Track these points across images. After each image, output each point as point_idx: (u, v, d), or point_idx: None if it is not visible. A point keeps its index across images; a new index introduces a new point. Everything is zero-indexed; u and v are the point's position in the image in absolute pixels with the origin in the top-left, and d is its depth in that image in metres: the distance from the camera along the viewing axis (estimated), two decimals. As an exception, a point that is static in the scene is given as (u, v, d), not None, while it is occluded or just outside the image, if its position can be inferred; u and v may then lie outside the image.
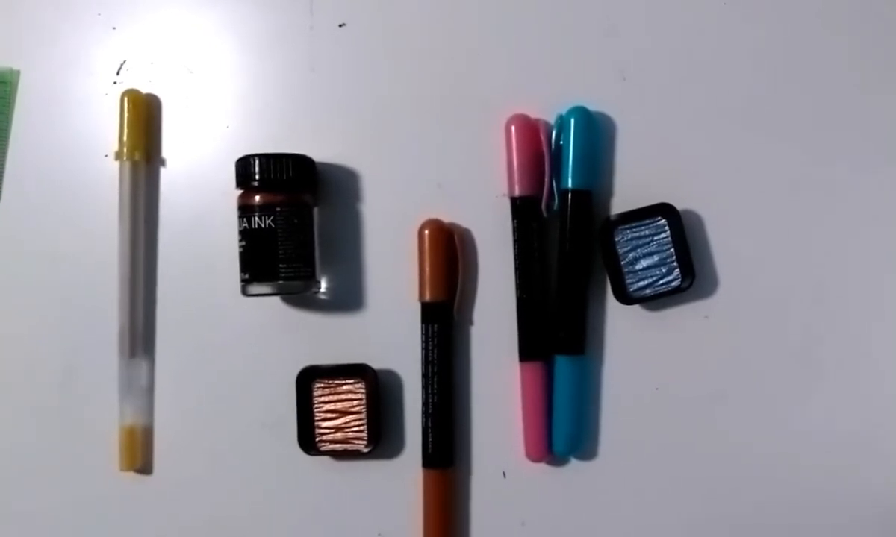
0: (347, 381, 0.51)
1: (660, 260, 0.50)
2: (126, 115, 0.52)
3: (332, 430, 0.51)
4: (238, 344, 0.52)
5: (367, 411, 0.51)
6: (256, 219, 0.48)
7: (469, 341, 0.51)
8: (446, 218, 0.51)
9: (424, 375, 0.50)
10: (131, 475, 0.53)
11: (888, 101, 0.50)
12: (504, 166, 0.50)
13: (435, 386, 0.50)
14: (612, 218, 0.50)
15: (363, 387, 0.51)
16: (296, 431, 0.51)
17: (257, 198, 0.49)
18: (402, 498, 0.51)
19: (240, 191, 0.50)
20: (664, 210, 0.49)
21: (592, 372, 0.51)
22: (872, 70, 0.50)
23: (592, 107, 0.50)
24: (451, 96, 0.52)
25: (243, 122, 0.53)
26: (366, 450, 0.51)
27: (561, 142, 0.49)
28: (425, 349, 0.50)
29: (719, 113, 0.50)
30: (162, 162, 0.53)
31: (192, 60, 0.54)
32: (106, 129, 0.53)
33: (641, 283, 0.50)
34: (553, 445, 0.50)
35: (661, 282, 0.50)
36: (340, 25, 0.52)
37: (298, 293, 0.51)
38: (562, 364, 0.50)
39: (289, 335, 0.52)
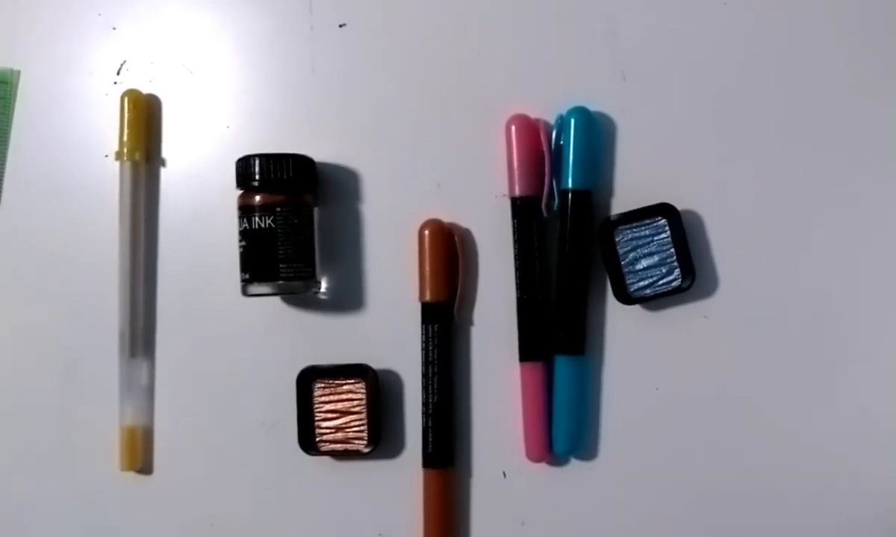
0: (348, 381, 0.51)
1: (660, 260, 0.50)
2: (126, 115, 0.52)
3: (333, 430, 0.51)
4: (238, 344, 0.52)
5: (368, 411, 0.51)
6: (257, 219, 0.48)
7: (469, 341, 0.51)
8: (446, 218, 0.51)
9: (424, 375, 0.50)
10: (131, 475, 0.53)
11: (888, 102, 0.50)
12: (504, 166, 0.50)
13: (435, 386, 0.50)
14: (612, 218, 0.50)
15: (363, 387, 0.51)
16: (296, 431, 0.51)
17: (257, 198, 0.49)
18: (403, 498, 0.51)
19: (240, 192, 0.50)
20: (664, 210, 0.49)
21: (592, 372, 0.51)
22: (873, 71, 0.50)
23: (592, 107, 0.50)
24: (451, 96, 0.52)
25: (243, 122, 0.53)
26: (366, 450, 0.51)
27: (561, 142, 0.49)
28: (425, 349, 0.50)
29: (719, 113, 0.50)
30: (162, 162, 0.53)
31: (192, 60, 0.54)
32: (106, 130, 0.53)
33: (641, 283, 0.50)
34: (553, 445, 0.50)
35: (661, 282, 0.50)
36: (340, 25, 0.52)
37: (299, 293, 0.51)
38: (562, 364, 0.50)
39: (289, 335, 0.52)
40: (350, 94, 0.52)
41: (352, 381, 0.51)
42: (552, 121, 0.50)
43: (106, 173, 0.53)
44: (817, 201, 0.50)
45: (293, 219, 0.49)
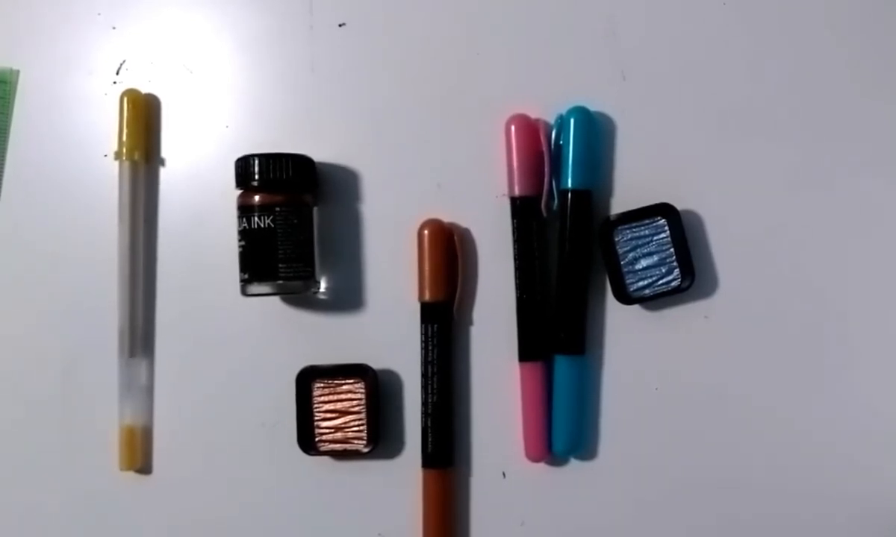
0: (347, 381, 0.51)
1: (660, 260, 0.50)
2: (125, 114, 0.52)
3: (332, 430, 0.51)
4: (238, 344, 0.52)
5: (367, 411, 0.51)
6: (256, 219, 0.48)
7: (469, 341, 0.51)
8: (446, 218, 0.51)
9: (424, 375, 0.50)
10: (131, 475, 0.53)
11: (887, 101, 0.50)
12: (504, 166, 0.50)
13: (435, 386, 0.50)
14: (612, 218, 0.50)
15: (363, 387, 0.51)
16: (295, 431, 0.51)
17: (257, 198, 0.49)
18: (402, 498, 0.51)
19: (239, 191, 0.50)
20: (664, 210, 0.49)
21: (592, 372, 0.51)
22: (872, 70, 0.50)
23: (592, 107, 0.50)
24: (451, 96, 0.52)
25: (243, 122, 0.53)
26: (365, 450, 0.50)
27: (561, 142, 0.49)
28: (425, 349, 0.50)
29: (719, 113, 0.50)
30: (161, 162, 0.53)
31: (192, 60, 0.54)
32: (105, 129, 0.53)
33: (641, 283, 0.50)
34: (553, 445, 0.50)
35: (660, 282, 0.50)
36: (340, 25, 0.52)
37: (298, 293, 0.51)
38: (562, 364, 0.50)
39: (289, 335, 0.52)
40: (350, 94, 0.52)
41: (351, 381, 0.51)
42: (552, 121, 0.50)
43: (105, 173, 0.53)
44: (817, 200, 0.50)
45: (293, 219, 0.49)
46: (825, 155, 0.50)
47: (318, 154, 0.51)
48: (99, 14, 0.54)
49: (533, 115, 0.50)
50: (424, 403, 0.50)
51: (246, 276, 0.49)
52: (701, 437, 0.50)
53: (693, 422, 0.50)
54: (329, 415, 0.51)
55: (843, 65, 0.50)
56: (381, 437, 0.51)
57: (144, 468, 0.53)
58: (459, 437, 0.51)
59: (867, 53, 0.50)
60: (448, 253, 0.50)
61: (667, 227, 0.49)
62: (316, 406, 0.51)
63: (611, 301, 0.50)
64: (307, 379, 0.51)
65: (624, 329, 0.50)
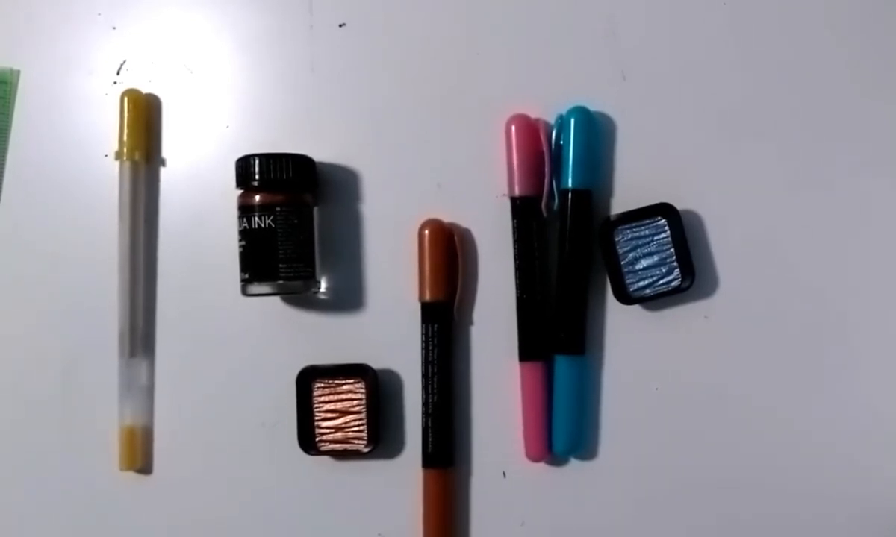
0: (347, 381, 0.51)
1: (660, 260, 0.50)
2: (126, 114, 0.52)
3: (332, 430, 0.51)
4: (238, 344, 0.52)
5: (367, 411, 0.51)
6: (256, 219, 0.48)
7: (469, 341, 0.51)
8: (446, 218, 0.51)
9: (424, 375, 0.50)
10: (131, 475, 0.53)
11: (887, 101, 0.50)
12: (504, 166, 0.50)
13: (435, 386, 0.50)
14: (612, 218, 0.50)
15: (363, 387, 0.51)
16: (296, 431, 0.51)
17: (257, 197, 0.49)
18: (402, 498, 0.51)
19: (240, 191, 0.50)
20: (664, 210, 0.49)
21: (592, 372, 0.51)
22: (872, 70, 0.50)
23: (592, 107, 0.50)
24: (451, 96, 0.52)
25: (243, 122, 0.53)
26: (366, 450, 0.51)
27: (561, 142, 0.49)
28: (425, 349, 0.50)
29: (719, 113, 0.50)
30: (162, 162, 0.53)
31: (192, 60, 0.54)
32: (106, 129, 0.53)
33: (641, 283, 0.50)
34: (553, 445, 0.50)
35: (661, 281, 0.50)
36: (340, 25, 0.52)
37: (298, 293, 0.51)
38: (562, 364, 0.50)
39: (289, 335, 0.52)
40: (350, 94, 0.52)
41: (351, 381, 0.51)
42: (552, 121, 0.50)
43: (106, 173, 0.53)
44: (817, 201, 0.50)
45: (293, 219, 0.49)
46: (825, 155, 0.50)
47: (318, 154, 0.51)
48: (99, 14, 0.54)
49: (533, 115, 0.50)
50: (425, 403, 0.50)
51: (246, 276, 0.49)
52: (701, 437, 0.50)
53: (693, 422, 0.50)
54: (329, 415, 0.51)
55: (843, 65, 0.50)
56: (382, 437, 0.51)
57: (144, 468, 0.53)
58: (459, 437, 0.51)
59: (867, 53, 0.50)
60: (448, 253, 0.50)
61: (667, 227, 0.49)
62: (316, 406, 0.51)
63: (611, 301, 0.50)
64: (307, 379, 0.51)
65: (624, 329, 0.50)
